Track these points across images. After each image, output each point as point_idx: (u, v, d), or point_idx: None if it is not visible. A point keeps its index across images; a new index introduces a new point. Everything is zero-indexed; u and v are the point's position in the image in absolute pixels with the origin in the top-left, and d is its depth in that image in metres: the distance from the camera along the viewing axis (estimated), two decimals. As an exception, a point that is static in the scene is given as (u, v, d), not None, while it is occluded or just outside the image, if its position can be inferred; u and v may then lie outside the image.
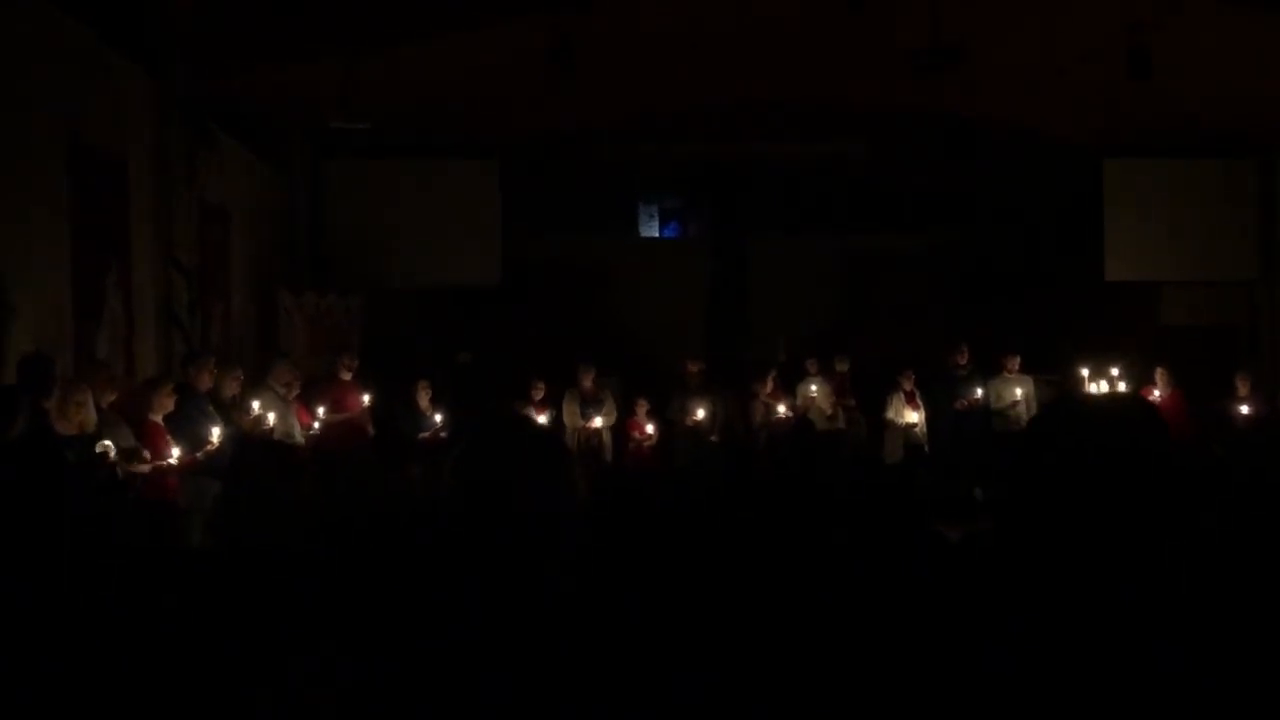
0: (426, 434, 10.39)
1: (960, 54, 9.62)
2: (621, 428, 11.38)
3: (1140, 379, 11.47)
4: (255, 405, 8.39)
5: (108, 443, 6.21)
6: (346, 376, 10.49)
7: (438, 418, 10.43)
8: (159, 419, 7.50)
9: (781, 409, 11.71)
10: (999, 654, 1.79)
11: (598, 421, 11.09)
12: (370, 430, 10.46)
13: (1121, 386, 11.52)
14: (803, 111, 13.93)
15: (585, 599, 2.22)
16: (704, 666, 2.32)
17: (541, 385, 11.01)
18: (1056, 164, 13.92)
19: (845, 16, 10.43)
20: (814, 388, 11.95)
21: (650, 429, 11.18)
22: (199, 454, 7.44)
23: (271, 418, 8.83)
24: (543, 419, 10.88)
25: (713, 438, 11.39)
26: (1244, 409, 10.83)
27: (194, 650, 4.28)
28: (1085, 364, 11.61)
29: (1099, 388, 11.43)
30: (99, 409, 6.56)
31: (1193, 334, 13.16)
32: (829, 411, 11.97)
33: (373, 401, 10.44)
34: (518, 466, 1.91)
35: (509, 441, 1.97)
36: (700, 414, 11.24)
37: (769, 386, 11.74)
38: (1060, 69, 11.53)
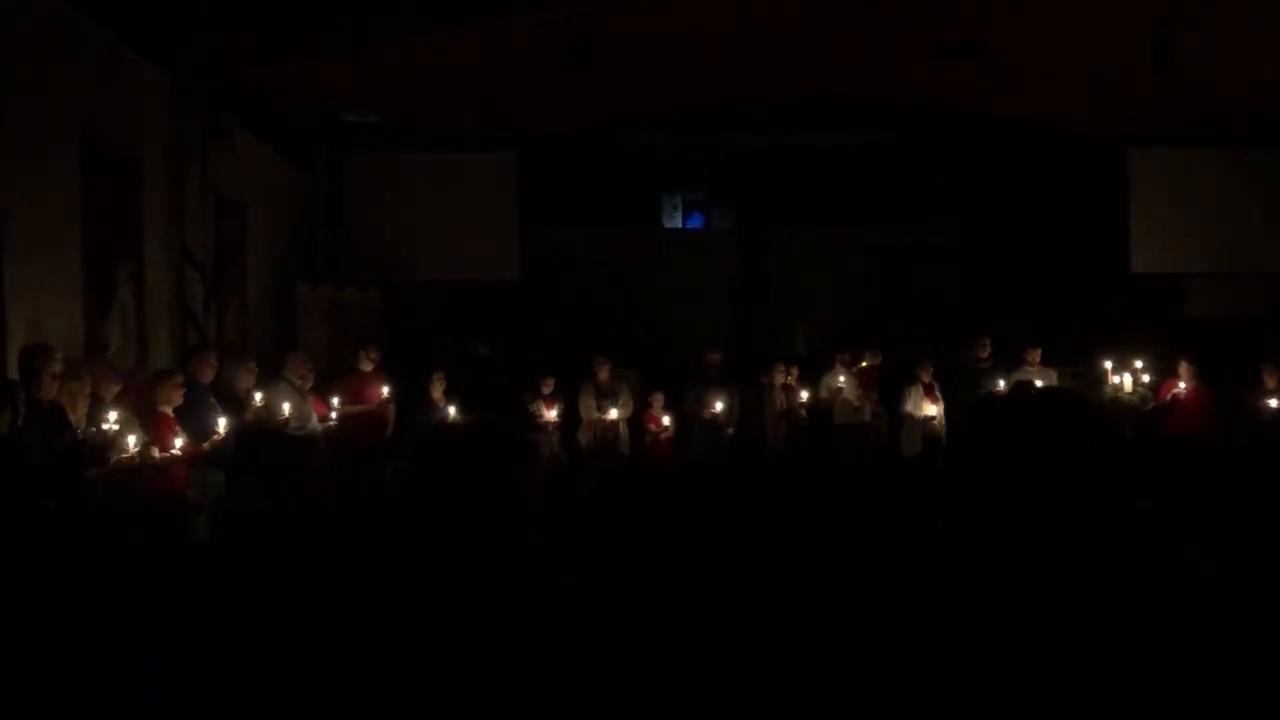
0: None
1: (977, 46, 9.51)
2: (639, 420, 11.36)
3: (1164, 372, 11.33)
4: (258, 397, 8.43)
5: (112, 424, 6.24)
6: (368, 368, 10.54)
7: (451, 410, 10.45)
8: (168, 411, 7.56)
9: (804, 396, 11.63)
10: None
11: (613, 414, 11.07)
12: (390, 422, 10.49)
13: (1146, 379, 11.40)
14: (826, 103, 13.84)
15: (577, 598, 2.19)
16: (715, 664, 2.28)
17: (551, 380, 11.01)
18: (1082, 155, 13.74)
19: (867, 8, 10.39)
20: (842, 379, 11.87)
21: (666, 421, 11.14)
22: (205, 445, 7.48)
23: (286, 408, 8.90)
24: (552, 413, 10.89)
25: (729, 430, 11.34)
26: (1272, 402, 10.64)
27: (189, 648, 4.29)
28: (1109, 357, 11.48)
29: (1122, 381, 11.32)
30: (103, 401, 6.61)
31: (1219, 326, 12.96)
32: (855, 404, 11.90)
33: (392, 393, 10.47)
34: (461, 483, 1.84)
35: (453, 457, 1.90)
36: (718, 406, 11.19)
37: (784, 378, 11.65)
38: (1083, 60, 11.38)
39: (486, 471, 1.86)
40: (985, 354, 11.92)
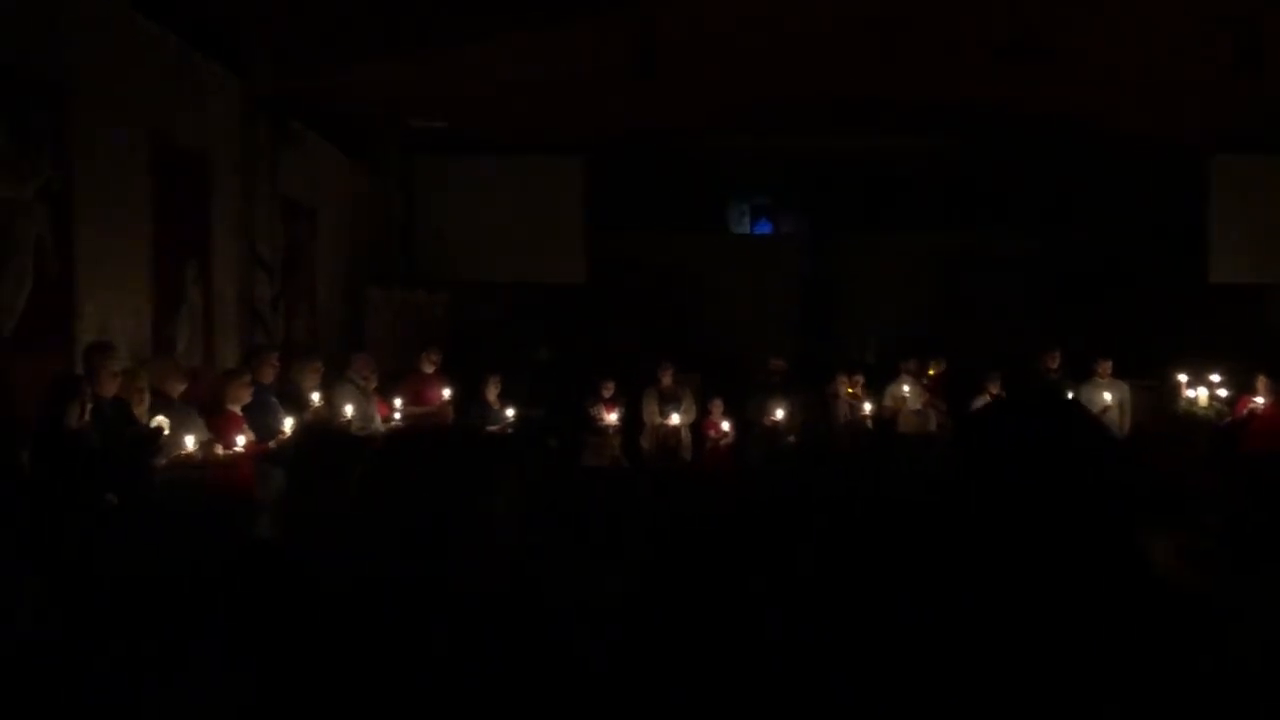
0: (495, 428, 10.47)
1: (1043, 47, 9.33)
2: (701, 426, 11.32)
3: (1241, 386, 11.01)
4: (315, 397, 8.54)
5: (162, 418, 6.37)
6: (429, 370, 10.65)
7: (508, 412, 10.49)
8: (236, 410, 7.70)
9: (867, 408, 11.52)
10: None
11: (675, 419, 11.06)
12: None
13: (1222, 393, 11.10)
14: (897, 108, 13.67)
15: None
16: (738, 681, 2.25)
17: (611, 383, 11.02)
18: (1157, 161, 13.42)
19: (938, 10, 10.24)
20: (906, 388, 11.74)
21: (725, 427, 11.11)
22: (271, 444, 7.62)
23: (349, 409, 9.01)
24: (612, 417, 10.90)
25: (790, 438, 11.25)
26: (1354, 419, 10.30)
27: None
28: (1183, 369, 11.19)
29: (1197, 394, 11.03)
30: (168, 399, 6.74)
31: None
32: (920, 409, 11.75)
33: (454, 395, 10.56)
34: (429, 495, 1.82)
35: (421, 465, 1.88)
36: (779, 413, 11.12)
37: (848, 387, 11.55)
38: (1163, 63, 11.10)
39: (442, 478, 1.85)
40: (1055, 365, 11.69)
